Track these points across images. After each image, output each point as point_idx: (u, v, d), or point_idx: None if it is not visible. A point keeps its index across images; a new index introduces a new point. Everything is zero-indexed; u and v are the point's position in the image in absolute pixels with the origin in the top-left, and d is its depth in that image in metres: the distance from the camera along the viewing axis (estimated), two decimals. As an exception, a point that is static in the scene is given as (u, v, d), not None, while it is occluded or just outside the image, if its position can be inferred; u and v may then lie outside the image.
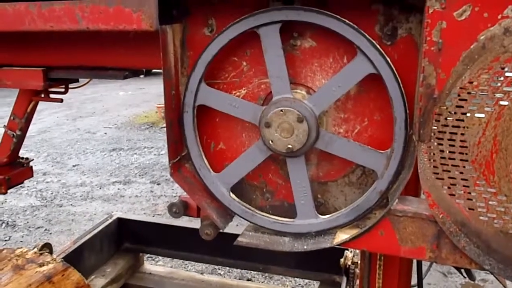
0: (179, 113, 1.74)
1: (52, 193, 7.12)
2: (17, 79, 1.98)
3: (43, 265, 1.99)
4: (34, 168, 8.81)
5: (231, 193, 1.78)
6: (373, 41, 1.50)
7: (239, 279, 4.48)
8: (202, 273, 4.42)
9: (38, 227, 6.07)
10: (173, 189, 6.98)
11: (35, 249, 2.10)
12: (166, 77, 1.65)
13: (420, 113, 1.43)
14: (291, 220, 1.74)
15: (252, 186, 1.85)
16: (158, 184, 7.20)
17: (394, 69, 1.50)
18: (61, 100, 2.15)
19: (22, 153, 8.62)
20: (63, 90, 2.16)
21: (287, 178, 1.74)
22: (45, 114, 12.06)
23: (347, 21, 1.50)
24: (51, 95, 2.17)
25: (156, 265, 4.41)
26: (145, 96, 14.50)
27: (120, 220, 4.11)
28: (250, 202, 1.84)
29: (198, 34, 1.74)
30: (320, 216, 1.70)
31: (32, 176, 2.59)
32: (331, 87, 1.59)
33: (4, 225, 6.14)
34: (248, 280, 4.48)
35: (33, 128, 10.92)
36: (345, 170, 1.73)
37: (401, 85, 1.50)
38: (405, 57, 1.56)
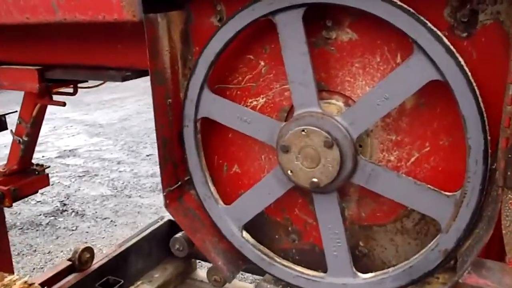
0: (179, 127, 1.35)
1: (123, 183, 7.13)
2: (12, 79, 1.70)
3: (27, 304, 1.69)
4: (110, 156, 8.92)
5: (243, 232, 1.36)
6: (437, 32, 1.00)
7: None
8: (255, 282, 4.06)
9: (105, 218, 6.06)
10: (241, 184, 6.68)
11: (25, 279, 1.82)
12: (156, 82, 1.26)
13: (507, 144, 0.92)
14: (321, 275, 1.29)
15: (274, 223, 1.41)
16: (227, 177, 6.94)
17: (469, 74, 0.99)
18: (64, 104, 1.85)
19: (101, 140, 8.80)
20: (71, 91, 1.86)
21: (319, 216, 1.29)
22: (129, 102, 12.33)
23: (400, 3, 1.02)
24: (58, 96, 1.88)
25: (209, 272, 4.10)
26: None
27: (171, 223, 3.85)
28: (272, 243, 1.41)
29: (205, 24, 1.32)
30: (359, 274, 1.24)
31: (48, 184, 2.34)
32: (376, 98, 1.11)
33: (73, 214, 6.22)
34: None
35: (114, 115, 11.18)
36: (397, 213, 1.25)
37: (480, 99, 0.99)
38: (488, 56, 1.04)
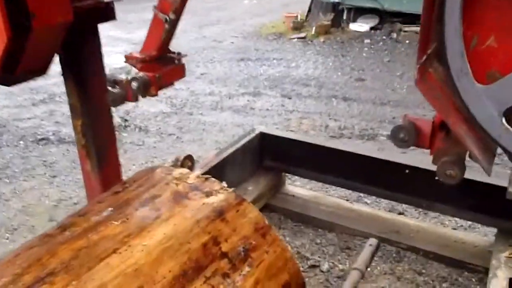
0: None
1: (181, 100, 6.96)
2: None
3: (211, 195, 1.49)
4: (163, 74, 8.68)
5: (503, 119, 1.14)
6: None
7: (389, 211, 3.92)
8: (347, 200, 3.92)
9: (170, 134, 5.95)
10: (305, 105, 6.46)
11: (198, 173, 1.64)
12: None
13: None
14: None
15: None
16: (289, 98, 6.71)
17: None
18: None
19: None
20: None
21: None
22: (171, 21, 11.89)
23: None
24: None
25: (298, 187, 3.98)
26: (269, 5, 13.78)
27: (262, 135, 3.67)
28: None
29: None
30: None
31: (184, 76, 2.10)
32: None
33: (137, 129, 6.12)
34: (400, 213, 3.90)
35: (160, 34, 10.86)
36: None
37: None
38: None
